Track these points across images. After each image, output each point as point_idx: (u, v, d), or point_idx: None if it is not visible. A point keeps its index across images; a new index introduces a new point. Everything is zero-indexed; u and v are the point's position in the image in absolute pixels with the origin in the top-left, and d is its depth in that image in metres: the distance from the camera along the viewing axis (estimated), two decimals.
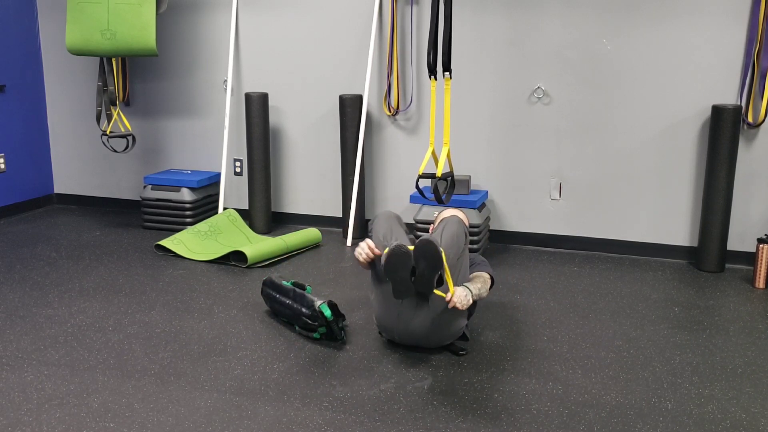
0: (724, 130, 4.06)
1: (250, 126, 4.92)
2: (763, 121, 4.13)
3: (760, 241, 3.96)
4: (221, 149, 5.24)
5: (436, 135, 4.55)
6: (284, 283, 3.49)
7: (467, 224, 3.27)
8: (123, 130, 5.04)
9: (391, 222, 3.21)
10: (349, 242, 4.78)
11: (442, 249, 2.88)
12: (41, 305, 3.68)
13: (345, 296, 3.80)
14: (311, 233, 4.71)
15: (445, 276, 2.95)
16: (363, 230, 4.92)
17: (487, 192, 4.69)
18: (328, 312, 3.16)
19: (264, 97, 4.89)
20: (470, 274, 3.22)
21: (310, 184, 5.19)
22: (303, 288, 3.47)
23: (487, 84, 4.63)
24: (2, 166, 5.43)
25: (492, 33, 4.56)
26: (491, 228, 4.78)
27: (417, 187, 3.94)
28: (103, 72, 4.90)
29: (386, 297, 3.05)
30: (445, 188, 3.94)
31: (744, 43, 4.12)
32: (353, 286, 3.97)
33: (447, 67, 3.81)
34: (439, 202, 3.88)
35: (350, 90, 4.92)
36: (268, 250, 4.38)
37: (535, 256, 4.54)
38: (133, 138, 5.07)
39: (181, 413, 2.62)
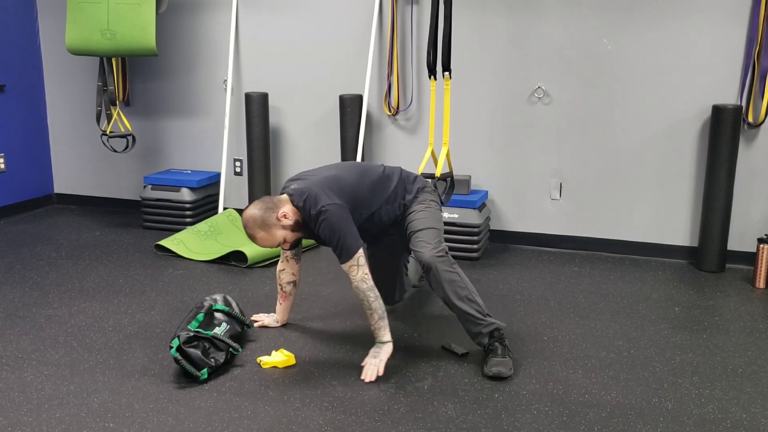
0: (724, 130, 4.06)
1: (250, 126, 4.92)
2: (764, 121, 4.13)
3: (760, 241, 3.96)
4: (221, 149, 5.24)
5: (435, 135, 4.55)
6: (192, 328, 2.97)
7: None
8: (123, 130, 5.04)
9: None
10: None
11: None
12: (41, 305, 3.67)
13: (345, 296, 3.80)
14: None
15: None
16: None
17: (487, 192, 4.69)
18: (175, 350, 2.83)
19: (264, 97, 4.89)
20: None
21: None
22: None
23: (487, 84, 4.63)
24: (2, 166, 5.43)
25: (492, 33, 4.56)
26: (491, 228, 4.77)
27: None
28: (103, 72, 4.90)
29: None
30: (444, 188, 3.94)
31: (744, 43, 4.12)
32: None
33: (447, 67, 3.81)
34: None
35: (350, 90, 4.92)
36: (268, 251, 4.38)
37: (535, 256, 4.54)
38: (133, 138, 5.07)
39: (181, 413, 2.62)
